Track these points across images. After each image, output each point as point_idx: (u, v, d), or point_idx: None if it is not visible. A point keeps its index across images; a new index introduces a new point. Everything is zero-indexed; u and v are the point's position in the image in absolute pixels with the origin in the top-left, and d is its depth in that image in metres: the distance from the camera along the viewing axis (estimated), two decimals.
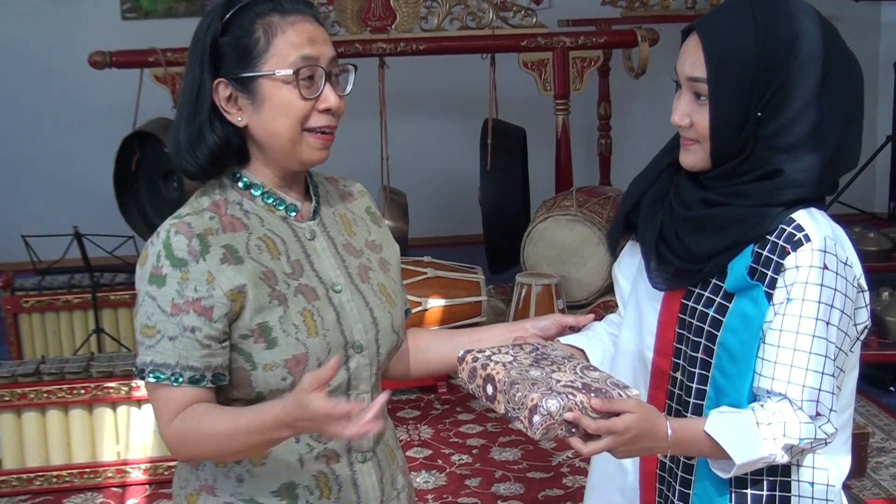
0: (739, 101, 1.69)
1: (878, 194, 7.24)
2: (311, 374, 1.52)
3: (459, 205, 6.99)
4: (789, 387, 1.67)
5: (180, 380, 1.67)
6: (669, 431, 1.65)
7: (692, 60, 1.72)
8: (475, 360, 1.73)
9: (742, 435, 1.66)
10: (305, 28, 1.72)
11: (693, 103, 1.74)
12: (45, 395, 3.82)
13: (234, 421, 1.64)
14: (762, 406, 1.68)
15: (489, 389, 1.68)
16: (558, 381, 1.63)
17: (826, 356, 1.67)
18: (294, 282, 1.74)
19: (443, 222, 7.10)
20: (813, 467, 1.74)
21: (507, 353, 1.75)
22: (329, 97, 1.73)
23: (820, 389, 1.67)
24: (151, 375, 1.68)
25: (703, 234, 1.74)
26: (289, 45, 1.70)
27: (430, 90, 6.97)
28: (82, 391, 3.83)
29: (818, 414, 1.67)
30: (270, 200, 1.79)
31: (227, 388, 1.73)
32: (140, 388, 3.77)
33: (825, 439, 1.69)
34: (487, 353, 1.75)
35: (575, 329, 1.97)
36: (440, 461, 4.10)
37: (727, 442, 1.65)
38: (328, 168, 1.90)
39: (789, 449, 1.67)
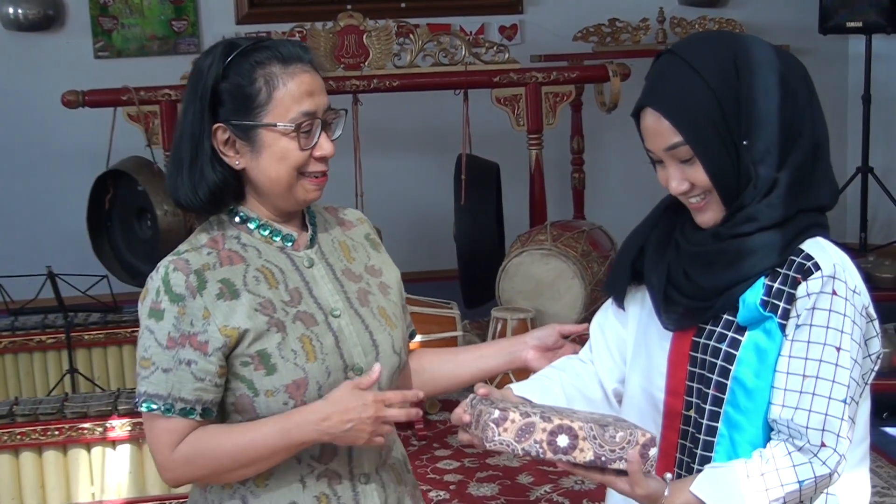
0: (723, 142, 1.71)
1: (849, 225, 7.28)
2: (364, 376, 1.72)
3: (434, 240, 7.00)
4: (796, 412, 1.66)
5: (171, 411, 1.72)
6: (666, 492, 1.67)
7: (661, 133, 1.73)
8: (513, 421, 1.62)
9: (730, 492, 1.65)
10: (305, 80, 1.77)
11: (681, 167, 1.74)
12: (18, 436, 3.77)
13: (248, 433, 1.73)
14: (760, 455, 1.67)
15: (563, 441, 1.61)
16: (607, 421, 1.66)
17: (834, 381, 1.65)
18: (292, 309, 1.79)
19: (417, 258, 7.09)
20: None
21: (512, 409, 1.64)
22: (325, 146, 1.79)
23: (827, 415, 1.64)
24: (144, 405, 1.73)
25: (712, 269, 1.74)
26: (290, 99, 1.75)
27: (403, 126, 6.99)
28: (56, 432, 3.79)
29: (823, 444, 1.65)
30: (267, 232, 1.84)
31: (232, 415, 1.78)
32: (115, 428, 3.74)
33: (830, 473, 1.66)
34: (499, 411, 1.64)
35: (569, 338, 2.01)
36: None
37: (715, 501, 1.65)
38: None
39: (794, 494, 1.65)
